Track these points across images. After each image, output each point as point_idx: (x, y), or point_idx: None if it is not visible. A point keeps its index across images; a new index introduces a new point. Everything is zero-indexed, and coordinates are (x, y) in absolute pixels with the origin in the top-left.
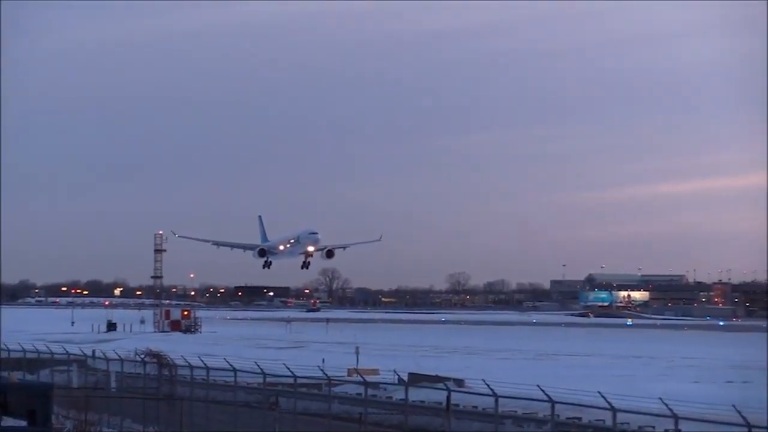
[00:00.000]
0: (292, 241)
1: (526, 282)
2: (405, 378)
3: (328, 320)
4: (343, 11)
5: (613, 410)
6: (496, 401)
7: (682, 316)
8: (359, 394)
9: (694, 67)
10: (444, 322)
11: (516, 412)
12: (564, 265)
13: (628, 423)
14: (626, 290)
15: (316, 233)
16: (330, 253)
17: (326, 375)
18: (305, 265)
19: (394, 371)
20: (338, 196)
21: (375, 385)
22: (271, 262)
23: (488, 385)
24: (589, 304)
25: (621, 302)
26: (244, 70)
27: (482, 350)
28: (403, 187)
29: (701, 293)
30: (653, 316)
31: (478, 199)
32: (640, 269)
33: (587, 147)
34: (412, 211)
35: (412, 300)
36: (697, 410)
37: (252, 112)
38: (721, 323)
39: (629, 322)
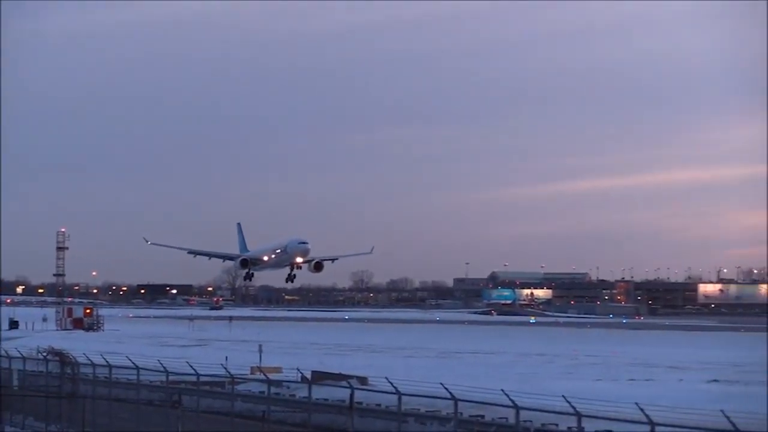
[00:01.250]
0: (278, 251)
1: (429, 280)
2: (308, 376)
3: (231, 318)
4: (258, 8)
5: (516, 408)
6: (399, 399)
7: (585, 314)
8: (262, 392)
9: (593, 68)
10: (347, 320)
11: (419, 410)
12: (467, 263)
13: (530, 421)
14: (529, 288)
15: (306, 243)
16: (318, 266)
17: (229, 373)
18: (290, 278)
19: (298, 369)
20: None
21: (278, 383)
22: (252, 273)
23: (391, 383)
24: (492, 302)
25: (524, 300)
26: (158, 66)
27: (385, 348)
28: (307, 184)
29: (604, 291)
30: (556, 314)
31: (382, 197)
32: (543, 267)
33: (491, 146)
34: (316, 209)
35: (315, 298)
36: (600, 408)
37: (168, 108)
38: (624, 321)
39: (532, 320)
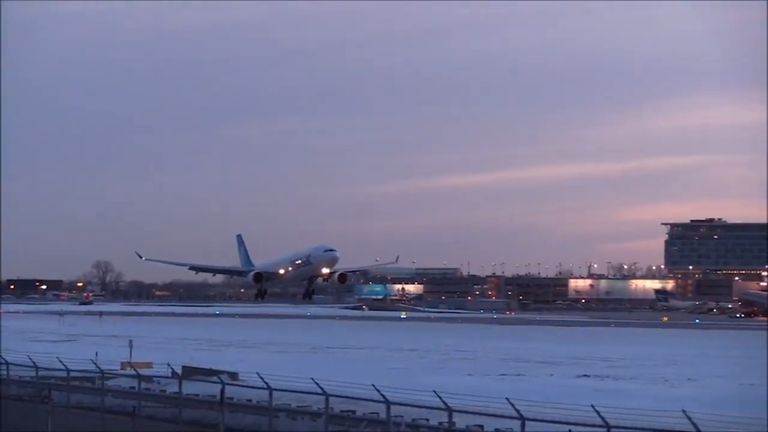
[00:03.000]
0: (299, 262)
1: None
2: (179, 371)
3: (101, 314)
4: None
5: (387, 403)
6: (270, 394)
7: (456, 309)
8: (133, 387)
9: (468, 63)
10: (218, 316)
11: (290, 405)
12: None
13: (402, 416)
14: (400, 283)
15: (334, 250)
16: (343, 278)
17: (99, 369)
18: (308, 294)
19: (168, 365)
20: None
21: (149, 379)
22: (266, 290)
23: (262, 379)
24: (364, 297)
25: (395, 295)
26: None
27: (257, 343)
28: (182, 179)
29: (475, 286)
30: (427, 309)
31: (252, 191)
32: (414, 262)
33: (364, 140)
34: (190, 202)
35: (186, 293)
36: (470, 403)
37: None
38: (495, 316)
39: (403, 315)
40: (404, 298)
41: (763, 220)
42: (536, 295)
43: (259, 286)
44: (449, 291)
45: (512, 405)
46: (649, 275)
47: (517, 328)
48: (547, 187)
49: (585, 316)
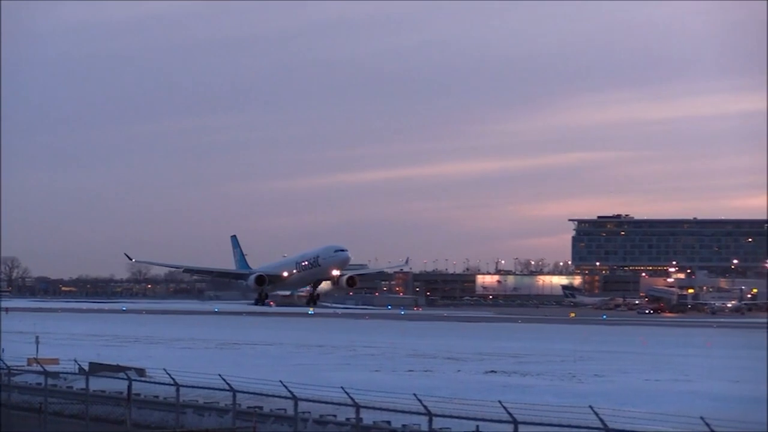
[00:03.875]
0: (305, 263)
1: None
2: (86, 367)
3: (7, 309)
4: None
5: (295, 399)
6: (178, 391)
7: (363, 305)
8: (39, 383)
9: (376, 59)
10: (125, 312)
11: (197, 401)
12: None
13: (309, 412)
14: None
15: (345, 251)
16: (352, 281)
17: (5, 365)
18: (313, 299)
19: (75, 361)
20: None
21: (55, 375)
22: (267, 295)
23: (169, 375)
24: (271, 293)
25: (303, 291)
26: None
27: (164, 340)
28: (88, 175)
29: (383, 282)
30: (335, 305)
31: (158, 187)
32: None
33: (272, 136)
34: (94, 199)
35: (93, 289)
36: (378, 399)
37: None
38: (402, 312)
39: (311, 311)
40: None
41: (670, 216)
42: (444, 291)
43: (261, 290)
44: (357, 287)
45: (420, 401)
46: (557, 271)
47: (424, 324)
48: (454, 183)
49: (492, 312)
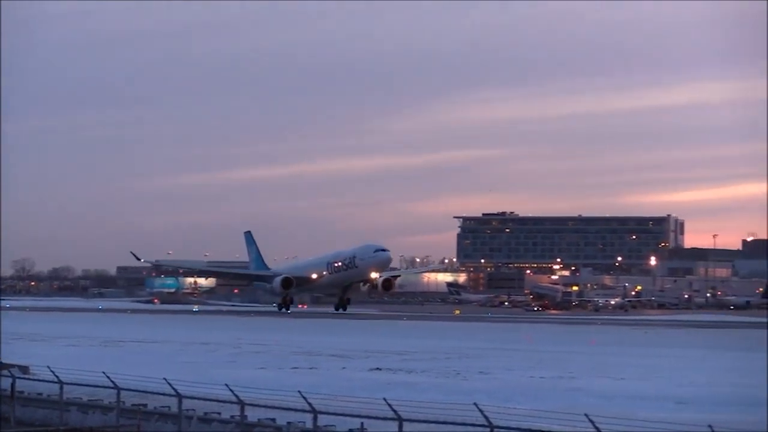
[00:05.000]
0: (338, 264)
1: (92, 268)
2: None
3: None
4: None
5: (179, 397)
6: (61, 388)
7: (248, 302)
8: None
9: (268, 55)
10: (8, 309)
11: (81, 399)
12: (131, 252)
13: (194, 409)
14: (193, 276)
15: (387, 250)
16: (389, 284)
17: None
18: (344, 303)
19: None
20: None
21: None
22: (292, 299)
23: (53, 372)
24: (156, 290)
25: (187, 288)
26: None
27: (48, 337)
28: None
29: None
30: (220, 303)
31: (44, 184)
32: (207, 255)
33: (157, 132)
34: None
35: None
36: (263, 396)
37: None
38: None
39: (196, 308)
40: (196, 291)
41: (555, 214)
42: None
43: (287, 293)
44: (242, 284)
45: (305, 398)
46: (442, 268)
47: (310, 321)
48: (340, 180)
49: (377, 309)
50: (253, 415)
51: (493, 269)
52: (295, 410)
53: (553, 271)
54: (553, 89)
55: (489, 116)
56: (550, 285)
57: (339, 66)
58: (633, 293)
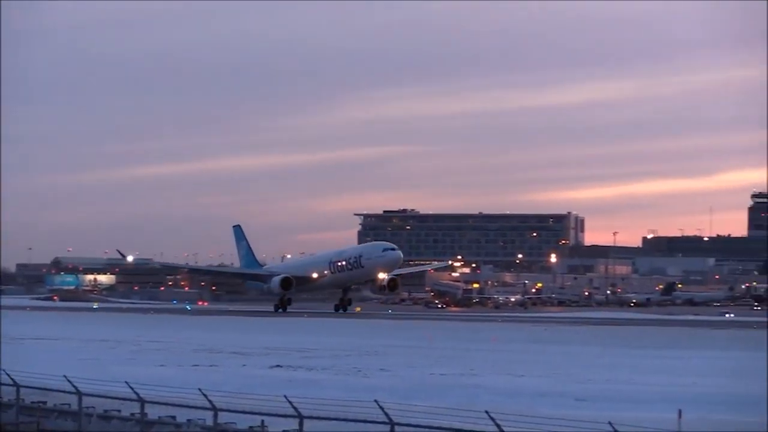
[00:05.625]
0: (342, 263)
1: None
2: None
3: None
4: None
5: (79, 394)
6: None
7: (149, 299)
8: None
9: (163, 53)
10: None
11: None
12: (30, 249)
13: (93, 407)
14: (93, 273)
15: (396, 249)
16: (395, 284)
17: None
18: (344, 304)
19: None
20: None
21: None
22: (290, 300)
23: None
24: (56, 287)
25: (87, 286)
26: None
27: None
28: None
29: (168, 277)
30: (120, 300)
31: None
32: (107, 252)
33: (52, 130)
34: None
35: None
36: (163, 393)
37: None
38: (188, 307)
39: (95, 305)
40: (96, 289)
41: (454, 211)
42: (229, 285)
43: (285, 294)
44: (142, 281)
45: (205, 396)
46: None
47: (210, 319)
48: (240, 177)
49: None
50: (153, 412)
51: None
52: (196, 408)
53: (453, 269)
54: (453, 87)
55: (391, 114)
56: (451, 282)
57: (241, 64)
58: (533, 290)
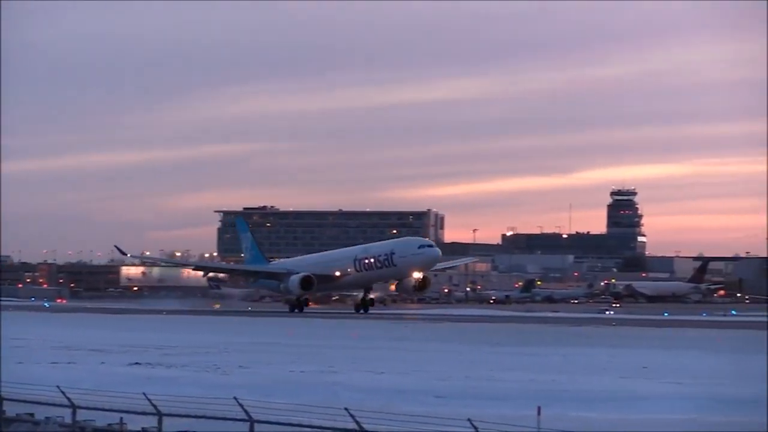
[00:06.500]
0: (371, 260)
1: None
2: None
3: None
4: None
5: None
6: None
7: (7, 297)
8: None
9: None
10: None
11: None
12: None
13: None
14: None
15: (434, 246)
16: (425, 284)
17: None
18: (365, 304)
19: None
20: None
21: None
22: (307, 300)
23: None
24: None
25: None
26: None
27: None
28: None
29: (26, 274)
30: None
31: None
32: None
33: None
34: None
35: None
36: (21, 391)
37: None
38: (47, 304)
39: None
40: None
41: (315, 208)
42: (88, 283)
43: (304, 295)
44: (1, 279)
45: (63, 393)
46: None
47: (68, 316)
48: (98, 174)
49: (137, 304)
50: (11, 409)
51: None
52: (54, 405)
53: None
54: (315, 84)
55: (251, 110)
56: None
57: (99, 59)
58: (393, 287)
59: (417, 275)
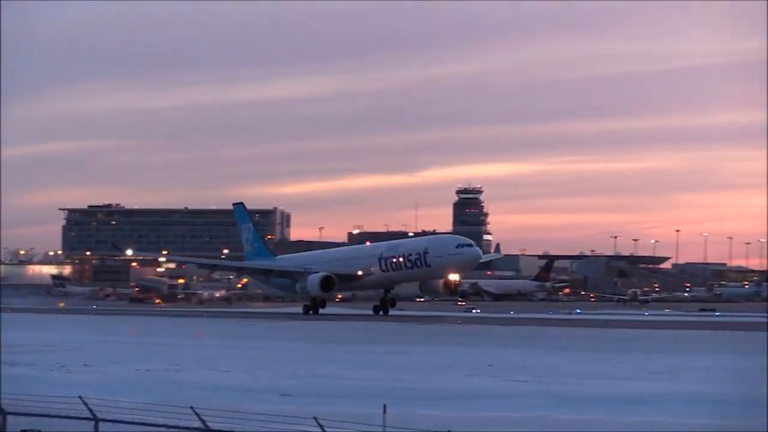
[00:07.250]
0: (400, 259)
1: None
2: None
3: None
4: None
5: None
6: None
7: None
8: None
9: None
10: None
11: None
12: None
13: None
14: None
15: (473, 244)
16: (457, 285)
17: None
18: (386, 305)
19: None
20: None
21: None
22: (324, 302)
23: None
24: None
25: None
26: None
27: None
28: None
29: None
30: None
31: None
32: None
33: None
34: None
35: None
36: None
37: None
38: None
39: None
40: None
41: (161, 206)
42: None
43: (324, 296)
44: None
45: None
46: (47, 261)
47: None
48: None
49: None
50: None
51: (98, 262)
52: None
53: (158, 264)
54: (162, 81)
55: (98, 107)
56: (156, 277)
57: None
58: (239, 286)
59: (453, 277)
